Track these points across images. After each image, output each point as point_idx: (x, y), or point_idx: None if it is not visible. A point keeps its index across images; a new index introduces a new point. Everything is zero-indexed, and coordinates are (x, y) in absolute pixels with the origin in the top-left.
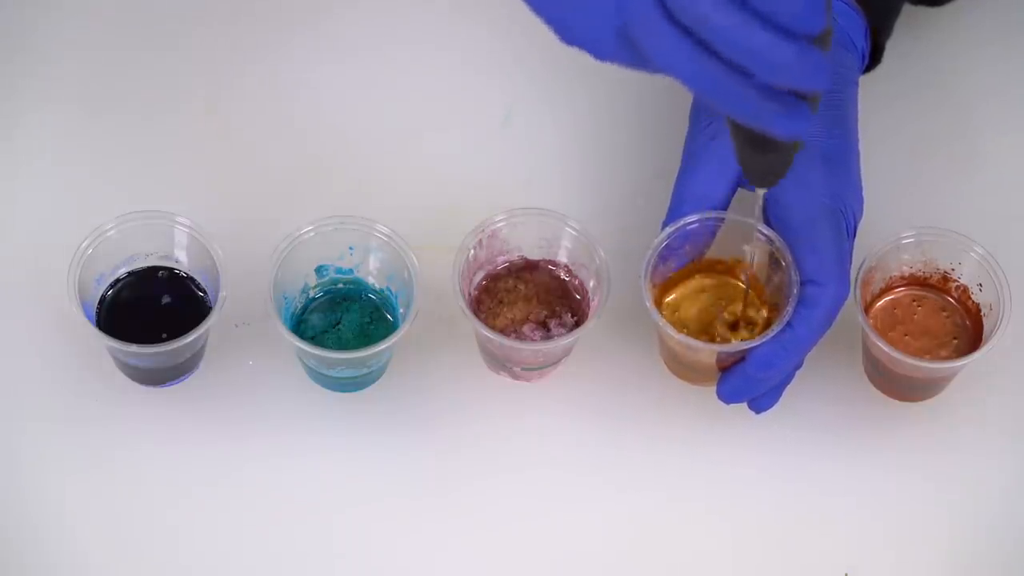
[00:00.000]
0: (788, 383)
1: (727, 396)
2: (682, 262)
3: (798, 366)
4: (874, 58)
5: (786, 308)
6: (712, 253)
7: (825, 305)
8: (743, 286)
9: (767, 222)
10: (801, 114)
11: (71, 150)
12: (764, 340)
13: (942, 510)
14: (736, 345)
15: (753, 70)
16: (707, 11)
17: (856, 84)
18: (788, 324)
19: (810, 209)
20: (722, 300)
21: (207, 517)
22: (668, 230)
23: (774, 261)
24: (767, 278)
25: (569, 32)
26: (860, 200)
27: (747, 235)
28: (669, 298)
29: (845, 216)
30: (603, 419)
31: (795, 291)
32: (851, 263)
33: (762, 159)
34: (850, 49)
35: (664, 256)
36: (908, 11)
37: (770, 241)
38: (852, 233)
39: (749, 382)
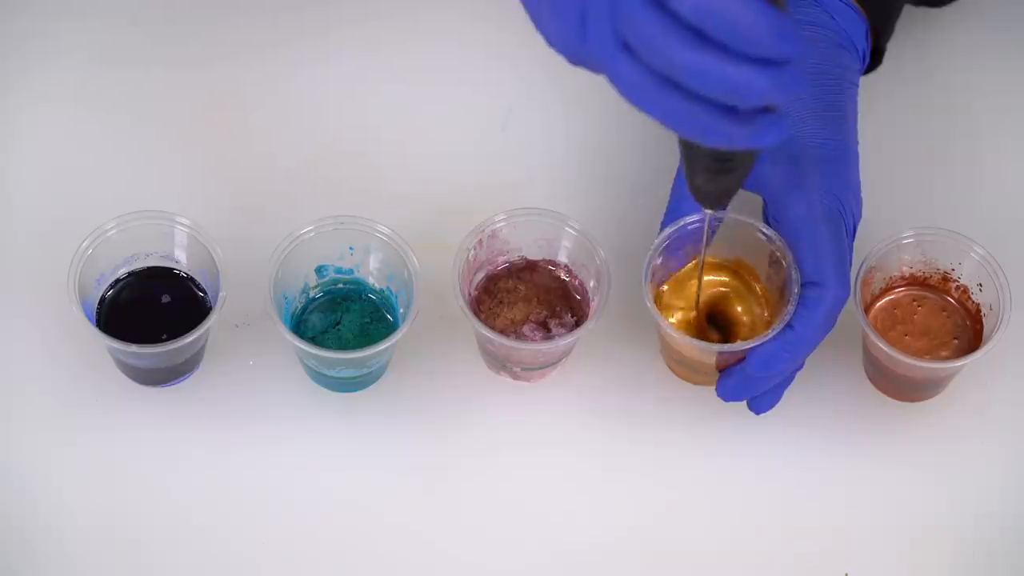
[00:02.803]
0: (788, 385)
1: (726, 395)
2: (682, 262)
3: (798, 368)
4: (875, 59)
5: (787, 308)
6: (712, 252)
7: (826, 307)
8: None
9: (767, 223)
10: (776, 121)
11: (71, 150)
12: (765, 340)
13: (942, 510)
14: (737, 345)
15: (730, 102)
16: (674, 56)
17: (856, 85)
18: (789, 324)
19: (809, 211)
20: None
21: (207, 516)
22: (668, 230)
23: (774, 261)
24: (767, 277)
25: (543, 32)
26: (859, 201)
27: (747, 234)
28: (667, 293)
29: (844, 217)
30: (603, 419)
31: (796, 291)
32: (851, 264)
33: (719, 181)
34: (850, 50)
35: (665, 256)
36: (908, 12)
37: (770, 241)
38: (852, 234)
39: (749, 381)
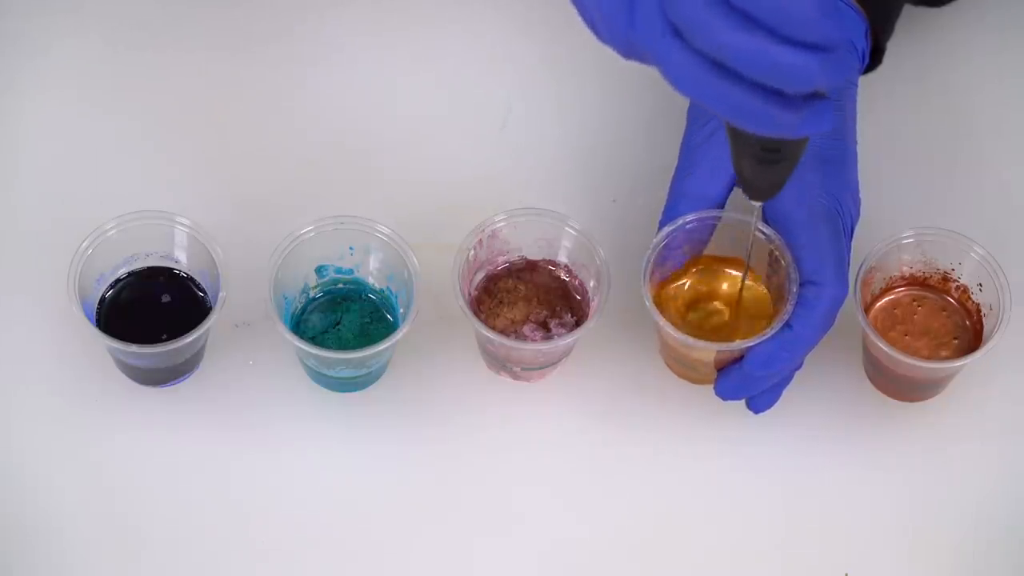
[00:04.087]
0: (786, 384)
1: (725, 394)
2: (681, 261)
3: (797, 367)
4: (875, 58)
5: (785, 307)
6: (709, 251)
7: (824, 306)
8: (740, 278)
9: (765, 222)
10: (825, 108)
11: (71, 150)
12: (763, 339)
13: (942, 510)
14: (736, 344)
15: (779, 86)
16: (724, 38)
17: (856, 85)
18: (787, 324)
19: (808, 210)
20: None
21: (207, 517)
22: (667, 229)
23: (773, 260)
24: (767, 277)
25: (591, 22)
26: (857, 201)
27: (745, 233)
28: (667, 291)
29: (842, 217)
30: (603, 419)
31: (794, 290)
32: (849, 263)
33: (767, 172)
34: (850, 50)
35: (664, 255)
36: (908, 11)
37: (769, 240)
38: (849, 234)
39: (747, 380)
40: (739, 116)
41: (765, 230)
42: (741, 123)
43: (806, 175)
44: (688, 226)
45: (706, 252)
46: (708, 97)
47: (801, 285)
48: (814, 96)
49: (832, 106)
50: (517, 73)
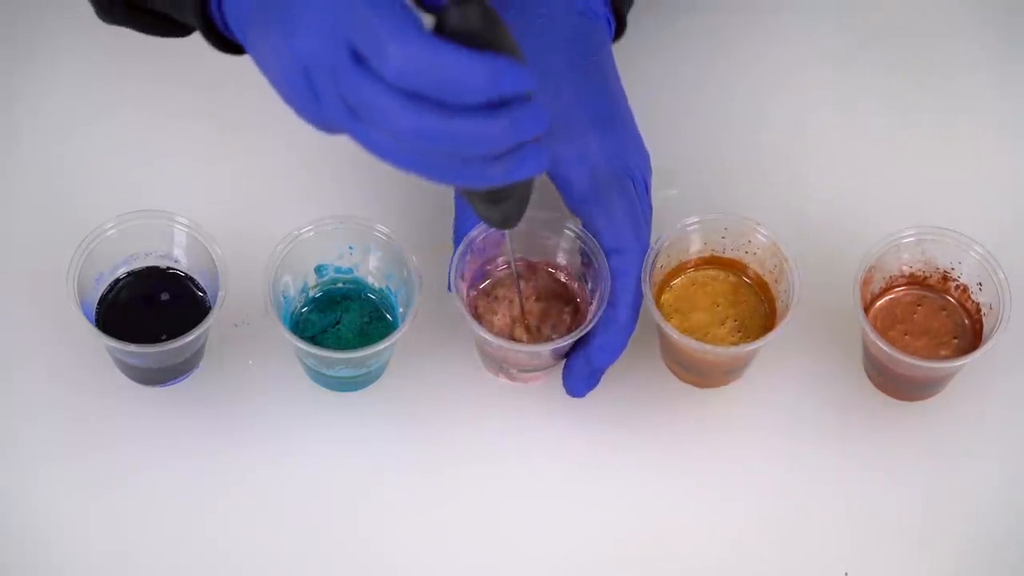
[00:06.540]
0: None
1: (577, 391)
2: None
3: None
4: (619, 26)
5: (599, 288)
6: (710, 251)
7: (635, 270)
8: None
9: (572, 214)
10: (529, 154)
11: (71, 150)
12: (587, 328)
13: (941, 510)
14: (740, 347)
15: (467, 152)
16: (397, 121)
17: (608, 46)
18: (609, 303)
19: (593, 177)
20: (719, 297)
21: (207, 516)
22: (668, 231)
23: (584, 256)
24: (580, 274)
25: (286, 101)
26: (645, 156)
27: (748, 230)
28: (668, 296)
29: (632, 175)
30: (603, 419)
31: (606, 266)
32: (650, 221)
33: (499, 209)
34: (592, 18)
35: (664, 256)
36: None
37: (580, 239)
38: (645, 190)
39: (596, 374)
40: (444, 180)
41: (574, 228)
42: (447, 183)
43: (584, 143)
44: (690, 227)
45: (705, 253)
46: (410, 167)
47: (606, 255)
48: (516, 147)
49: (538, 149)
50: None
